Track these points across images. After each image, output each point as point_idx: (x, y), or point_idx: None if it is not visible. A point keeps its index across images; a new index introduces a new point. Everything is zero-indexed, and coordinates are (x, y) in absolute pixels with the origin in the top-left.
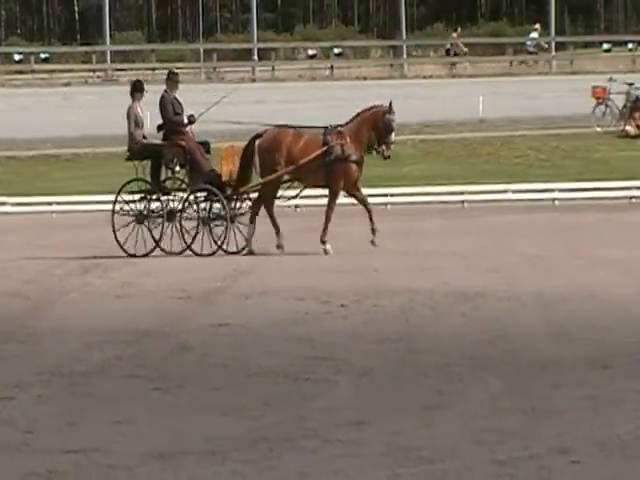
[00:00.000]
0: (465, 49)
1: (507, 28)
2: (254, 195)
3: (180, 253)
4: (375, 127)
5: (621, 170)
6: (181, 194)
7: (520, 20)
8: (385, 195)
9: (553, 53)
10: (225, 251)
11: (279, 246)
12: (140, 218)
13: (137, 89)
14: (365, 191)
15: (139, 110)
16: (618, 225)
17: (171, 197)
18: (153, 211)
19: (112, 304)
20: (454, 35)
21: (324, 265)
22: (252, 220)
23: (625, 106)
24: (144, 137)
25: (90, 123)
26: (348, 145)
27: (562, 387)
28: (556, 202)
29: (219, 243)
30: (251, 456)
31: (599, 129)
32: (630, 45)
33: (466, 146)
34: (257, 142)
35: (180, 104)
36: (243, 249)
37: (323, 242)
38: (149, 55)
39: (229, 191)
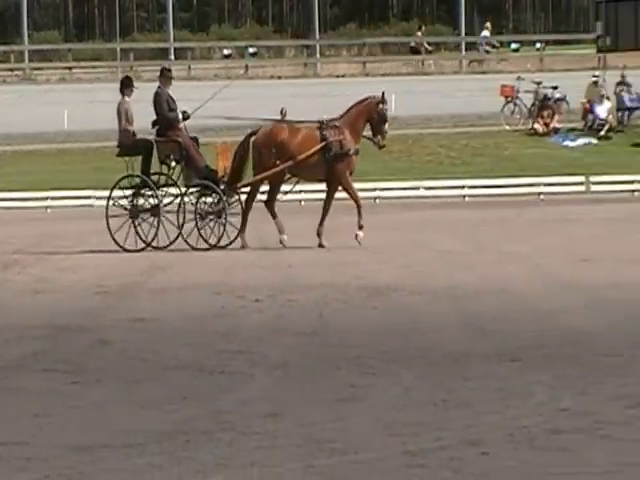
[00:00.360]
0: (429, 47)
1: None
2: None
3: (166, 247)
4: (370, 118)
5: (529, 167)
6: (172, 189)
7: (431, 20)
8: (299, 192)
9: (463, 53)
10: (221, 246)
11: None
12: (134, 213)
13: (126, 85)
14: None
15: (129, 106)
16: (527, 221)
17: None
18: (144, 206)
19: (31, 299)
20: (419, 34)
21: (240, 260)
22: (274, 216)
23: (533, 104)
24: (134, 133)
25: (8, 121)
26: (347, 139)
27: (472, 379)
28: (467, 198)
29: (212, 239)
30: (168, 448)
31: (508, 127)
32: (538, 45)
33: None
34: (252, 139)
35: (174, 100)
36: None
37: (360, 227)
38: (66, 54)
39: (222, 187)
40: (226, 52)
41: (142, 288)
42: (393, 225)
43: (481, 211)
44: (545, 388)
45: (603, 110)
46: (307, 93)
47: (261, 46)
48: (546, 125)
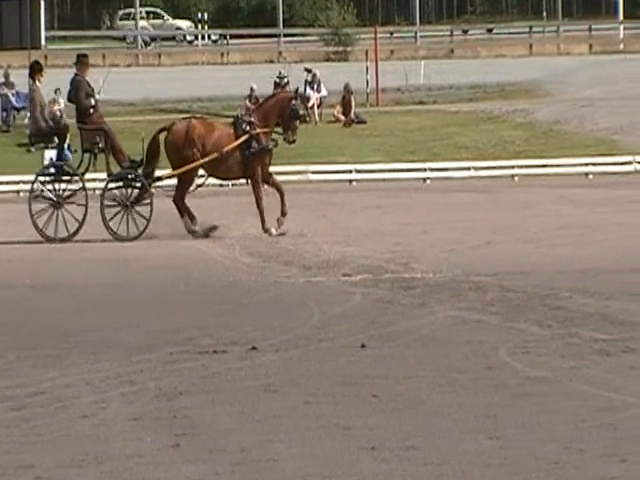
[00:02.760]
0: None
1: None
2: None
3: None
4: (282, 113)
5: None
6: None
7: None
8: None
9: None
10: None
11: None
12: (57, 202)
13: (37, 70)
14: None
15: (41, 92)
16: None
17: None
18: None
19: None
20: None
21: None
22: (182, 214)
23: None
24: (45, 120)
25: None
26: (262, 135)
27: None
28: None
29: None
30: None
31: None
32: None
33: None
34: (164, 137)
35: (90, 86)
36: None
37: (266, 230)
38: None
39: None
40: None
41: None
42: None
43: None
44: None
45: None
46: None
47: None
48: None
